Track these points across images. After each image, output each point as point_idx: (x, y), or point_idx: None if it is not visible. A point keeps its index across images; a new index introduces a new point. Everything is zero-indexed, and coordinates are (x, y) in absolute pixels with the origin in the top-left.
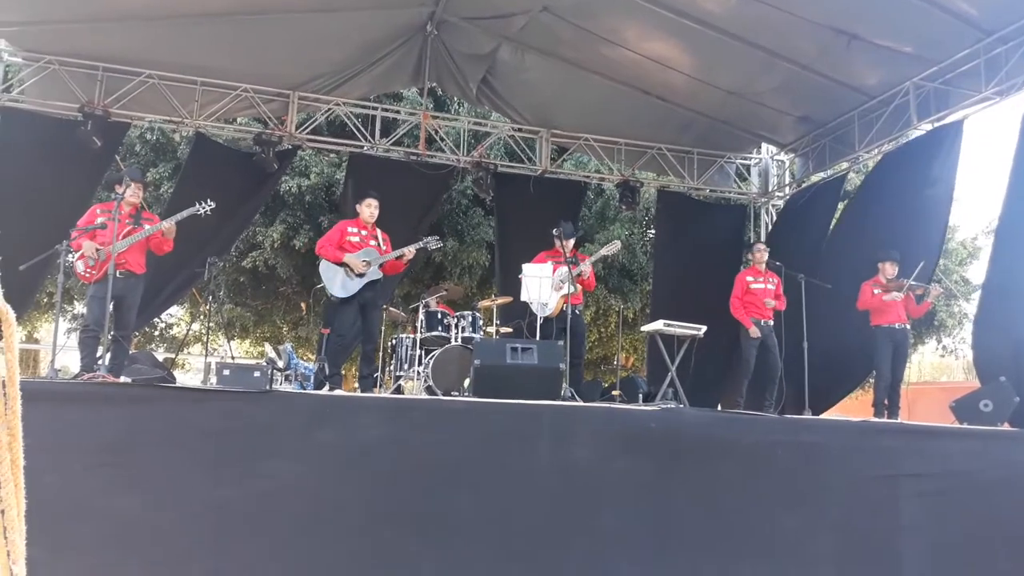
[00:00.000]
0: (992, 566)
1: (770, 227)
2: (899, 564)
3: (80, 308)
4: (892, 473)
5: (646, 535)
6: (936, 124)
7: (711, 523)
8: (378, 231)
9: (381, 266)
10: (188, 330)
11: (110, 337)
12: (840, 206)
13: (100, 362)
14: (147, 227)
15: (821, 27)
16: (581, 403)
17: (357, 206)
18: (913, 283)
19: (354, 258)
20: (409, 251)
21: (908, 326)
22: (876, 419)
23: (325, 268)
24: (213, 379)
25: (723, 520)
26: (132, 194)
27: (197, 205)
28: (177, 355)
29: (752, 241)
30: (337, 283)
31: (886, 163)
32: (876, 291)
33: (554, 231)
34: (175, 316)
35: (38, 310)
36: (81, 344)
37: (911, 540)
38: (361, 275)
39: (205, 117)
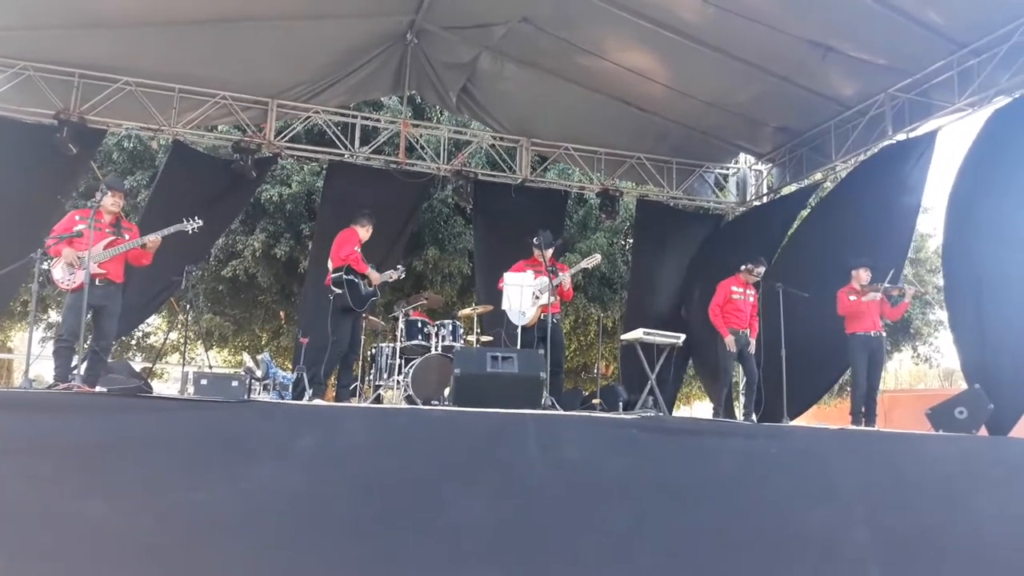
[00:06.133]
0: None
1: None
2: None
3: (56, 317)
4: (881, 479)
5: (640, 543)
6: (910, 135)
7: (701, 531)
8: None
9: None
10: (166, 339)
11: (87, 348)
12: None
13: (75, 372)
14: (128, 237)
15: (798, 39)
16: (562, 412)
17: (360, 227)
18: (888, 285)
19: (375, 273)
20: (394, 275)
21: (883, 333)
22: (854, 427)
23: (351, 279)
24: (190, 388)
25: (714, 527)
26: (112, 203)
27: (185, 222)
28: (154, 364)
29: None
30: (360, 294)
31: (857, 171)
32: (852, 297)
33: (533, 240)
34: (152, 325)
35: (11, 319)
36: (55, 354)
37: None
38: (373, 288)
39: (183, 125)
